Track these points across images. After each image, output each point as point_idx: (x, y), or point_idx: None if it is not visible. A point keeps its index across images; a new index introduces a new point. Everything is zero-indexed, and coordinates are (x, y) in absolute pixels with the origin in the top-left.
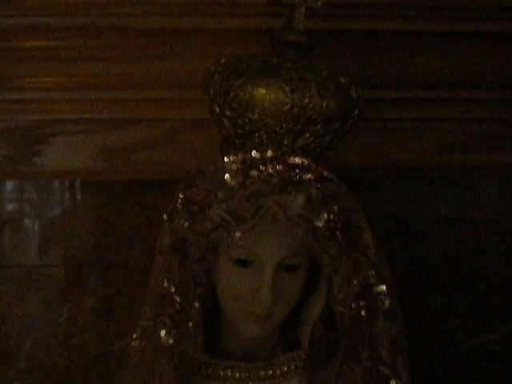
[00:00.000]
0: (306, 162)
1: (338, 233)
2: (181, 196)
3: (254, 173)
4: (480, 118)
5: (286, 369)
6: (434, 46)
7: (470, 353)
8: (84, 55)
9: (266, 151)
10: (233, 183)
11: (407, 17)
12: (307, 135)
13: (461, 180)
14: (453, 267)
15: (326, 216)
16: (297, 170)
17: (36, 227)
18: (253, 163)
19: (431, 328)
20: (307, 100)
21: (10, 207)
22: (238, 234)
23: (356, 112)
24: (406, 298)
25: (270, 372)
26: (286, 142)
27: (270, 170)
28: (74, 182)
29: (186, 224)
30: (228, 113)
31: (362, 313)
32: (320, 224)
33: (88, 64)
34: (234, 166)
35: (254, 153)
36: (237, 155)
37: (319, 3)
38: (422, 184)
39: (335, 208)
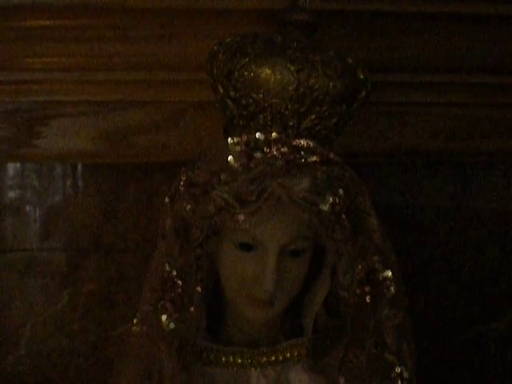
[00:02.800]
0: (312, 144)
1: (343, 216)
2: (183, 178)
3: (258, 155)
4: (486, 103)
5: (288, 355)
6: (441, 30)
7: (474, 341)
8: (86, 35)
9: (271, 133)
10: (236, 165)
11: None
12: (313, 117)
13: (465, 166)
14: (456, 255)
15: (331, 199)
16: (302, 153)
17: (37, 212)
18: (257, 145)
19: (434, 316)
20: (313, 80)
21: (11, 192)
22: (241, 217)
23: (363, 94)
24: (408, 286)
25: (273, 358)
26: (291, 124)
27: (275, 152)
28: (75, 166)
29: (189, 207)
30: (232, 93)
31: (367, 299)
32: (325, 207)
33: (90, 45)
34: (238, 148)
35: (258, 134)
36: (241, 137)
37: None
38: (424, 170)
39: (340, 191)
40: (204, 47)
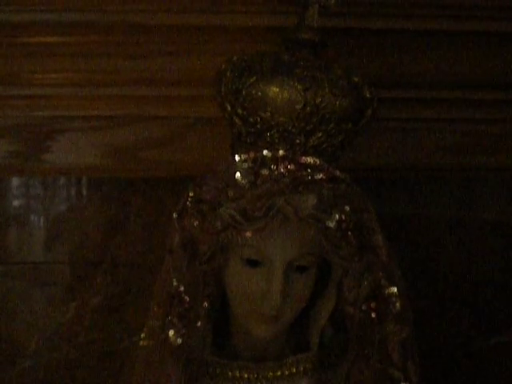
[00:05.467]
0: (318, 162)
1: (349, 233)
2: (191, 194)
3: (265, 172)
4: (491, 119)
5: (294, 370)
6: (446, 46)
7: (479, 355)
8: (94, 51)
9: (278, 150)
10: (244, 182)
11: (420, 16)
12: (319, 135)
13: (468, 181)
14: (461, 269)
15: (337, 216)
16: (308, 170)
17: (42, 224)
18: (264, 162)
19: (440, 330)
20: (320, 99)
21: (16, 203)
22: (248, 234)
23: (369, 112)
24: (413, 299)
25: (279, 373)
26: (297, 142)
27: (282, 170)
28: (81, 179)
29: (196, 223)
30: (240, 111)
31: (373, 315)
32: (331, 224)
33: (97, 60)
34: (245, 165)
35: (265, 152)
36: (248, 154)
37: (332, 1)
38: (430, 184)
39: (347, 208)
40: (211, 63)
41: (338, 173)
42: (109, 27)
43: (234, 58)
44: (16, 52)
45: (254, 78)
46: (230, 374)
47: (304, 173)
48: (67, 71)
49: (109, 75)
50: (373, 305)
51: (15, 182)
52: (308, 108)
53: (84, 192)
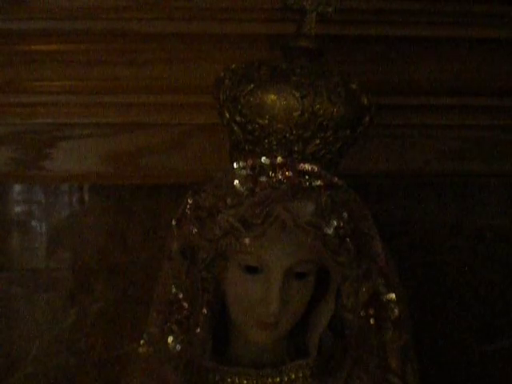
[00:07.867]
0: (316, 169)
1: (347, 240)
2: (189, 201)
3: (263, 179)
4: (487, 125)
5: (293, 376)
6: (442, 53)
7: (481, 360)
8: (94, 59)
9: (276, 157)
10: (242, 189)
11: (417, 23)
12: (317, 142)
13: (468, 187)
14: (461, 274)
15: (335, 223)
16: (307, 177)
17: (44, 230)
18: (262, 169)
19: (441, 335)
20: (318, 106)
21: (18, 210)
22: (246, 241)
23: (366, 119)
24: (414, 305)
25: (278, 379)
26: (296, 149)
27: (280, 177)
28: (83, 186)
29: (195, 230)
30: (238, 118)
31: (371, 321)
32: (329, 231)
33: (97, 68)
34: (244, 172)
35: (263, 159)
36: (246, 161)
37: (330, 9)
38: (429, 191)
39: (345, 215)
40: (210, 71)
41: (336, 179)
42: (109, 35)
43: (233, 66)
44: (17, 60)
45: (252, 85)
46: (229, 380)
47: (302, 180)
48: (67, 79)
49: (109, 83)
50: (371, 311)
51: (17, 188)
52: (306, 115)
53: (84, 198)
